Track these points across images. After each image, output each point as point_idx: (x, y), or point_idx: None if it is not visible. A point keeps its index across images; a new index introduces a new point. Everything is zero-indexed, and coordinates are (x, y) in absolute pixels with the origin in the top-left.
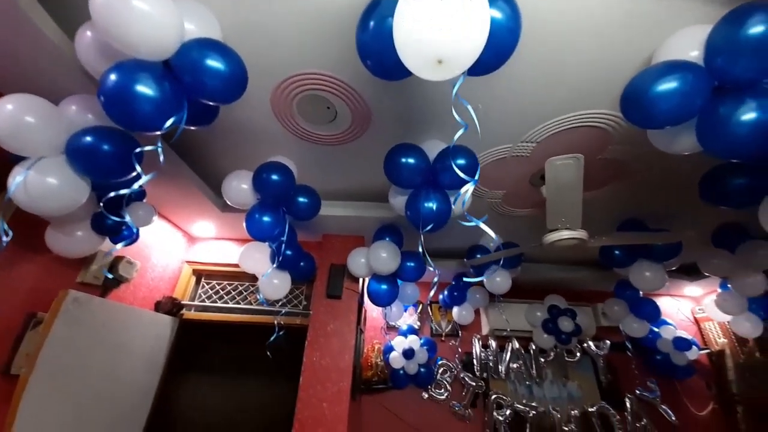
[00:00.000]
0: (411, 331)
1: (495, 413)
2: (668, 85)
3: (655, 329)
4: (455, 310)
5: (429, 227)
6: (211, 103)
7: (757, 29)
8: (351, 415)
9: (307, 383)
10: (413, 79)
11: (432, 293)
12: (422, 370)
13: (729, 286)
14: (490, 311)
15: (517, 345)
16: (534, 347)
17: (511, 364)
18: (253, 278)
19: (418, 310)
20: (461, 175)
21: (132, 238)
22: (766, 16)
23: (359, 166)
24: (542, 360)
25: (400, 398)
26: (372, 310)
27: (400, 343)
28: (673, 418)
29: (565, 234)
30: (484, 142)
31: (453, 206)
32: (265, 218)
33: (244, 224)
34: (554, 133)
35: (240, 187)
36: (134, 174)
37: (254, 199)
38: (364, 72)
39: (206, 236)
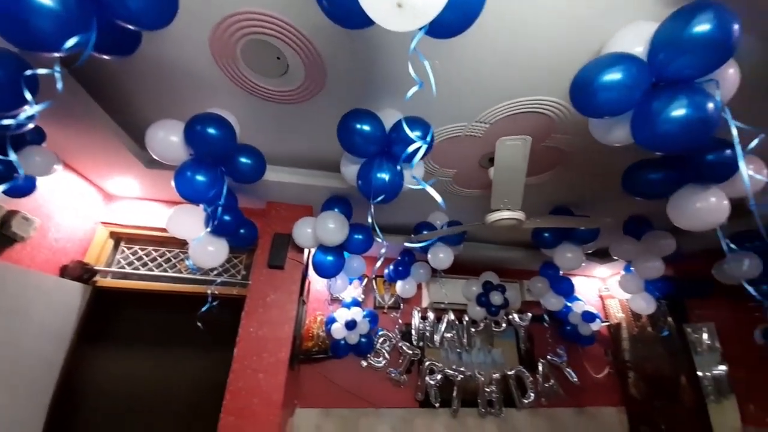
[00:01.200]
0: (355, 303)
1: (427, 378)
2: (612, 76)
3: (569, 304)
4: (399, 283)
5: (380, 198)
6: (130, 27)
7: (697, 29)
8: (288, 385)
9: (242, 354)
10: (372, 38)
11: (378, 265)
12: (363, 340)
13: (632, 269)
14: (431, 285)
15: (452, 317)
16: (467, 319)
17: (445, 334)
18: (184, 244)
19: (363, 283)
20: (412, 135)
21: (26, 188)
22: (707, 17)
23: (311, 130)
24: (473, 330)
25: (340, 366)
26: (316, 282)
27: (343, 314)
28: (575, 379)
29: (506, 214)
30: (440, 119)
31: (403, 167)
32: (199, 177)
33: (173, 183)
34: (506, 116)
35: (168, 140)
36: (26, 107)
37: (186, 155)
38: (319, 19)
39: (127, 195)
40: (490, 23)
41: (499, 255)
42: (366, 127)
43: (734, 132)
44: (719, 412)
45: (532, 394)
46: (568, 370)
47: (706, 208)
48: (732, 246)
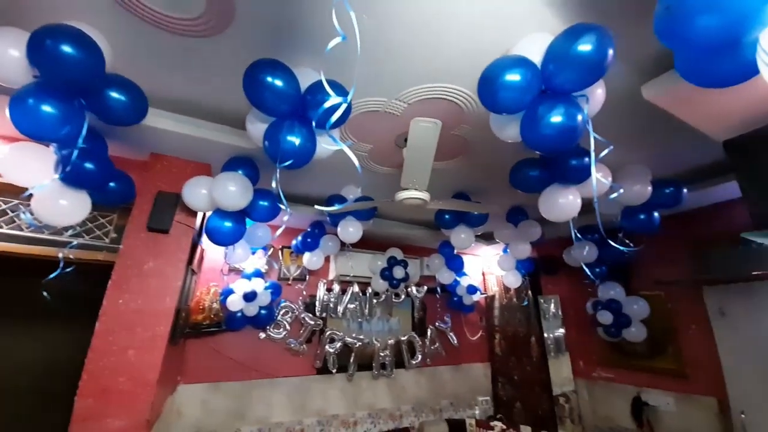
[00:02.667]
0: (257, 274)
1: (327, 346)
2: (511, 77)
3: (458, 278)
4: (307, 255)
5: (288, 163)
6: None
7: (581, 48)
8: (167, 362)
9: (106, 329)
10: None
11: (278, 233)
12: (263, 312)
13: (508, 250)
14: (339, 258)
15: (357, 289)
16: (371, 291)
17: (349, 305)
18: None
19: (268, 254)
20: (330, 91)
21: None
22: (591, 38)
23: (214, 75)
24: (375, 301)
25: (234, 339)
26: (213, 250)
27: (242, 286)
28: (455, 342)
29: (414, 194)
30: (360, 89)
31: (317, 133)
32: (46, 108)
33: (7, 112)
34: (424, 99)
35: (5, 53)
36: None
37: (29, 77)
38: None
39: None
40: (426, 7)
41: (404, 233)
42: (278, 82)
43: (592, 142)
44: (557, 365)
45: (420, 356)
46: (450, 334)
47: (565, 203)
48: (578, 236)
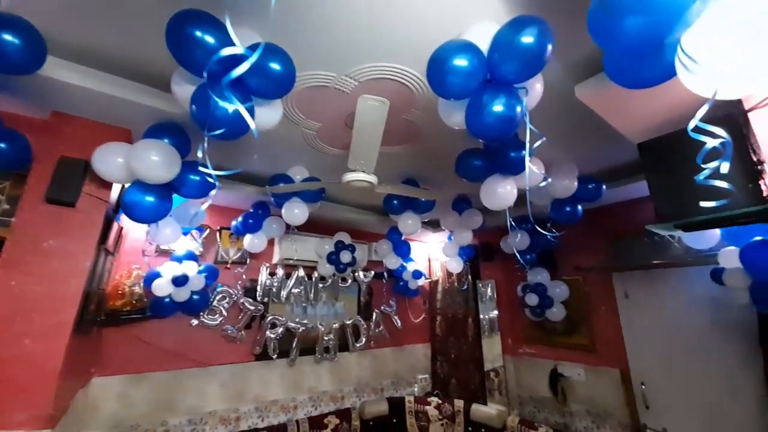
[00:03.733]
0: (190, 257)
1: (268, 332)
2: (459, 62)
3: (404, 264)
4: (248, 237)
5: (219, 132)
6: None
7: (524, 39)
8: (74, 352)
9: None
10: None
11: (204, 207)
12: (195, 297)
13: (452, 237)
14: (283, 241)
15: (302, 273)
16: (316, 275)
17: (293, 290)
18: None
19: (204, 235)
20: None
21: None
22: (533, 31)
23: (134, 25)
24: (321, 285)
25: (161, 327)
26: (136, 229)
27: (170, 269)
28: (399, 324)
29: (361, 176)
30: (309, 61)
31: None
32: None
33: None
34: (376, 78)
35: None
36: None
37: None
38: None
39: None
40: None
41: (353, 217)
42: (209, 38)
43: (528, 133)
44: (489, 343)
45: (364, 339)
46: (395, 317)
47: (503, 193)
48: (513, 224)
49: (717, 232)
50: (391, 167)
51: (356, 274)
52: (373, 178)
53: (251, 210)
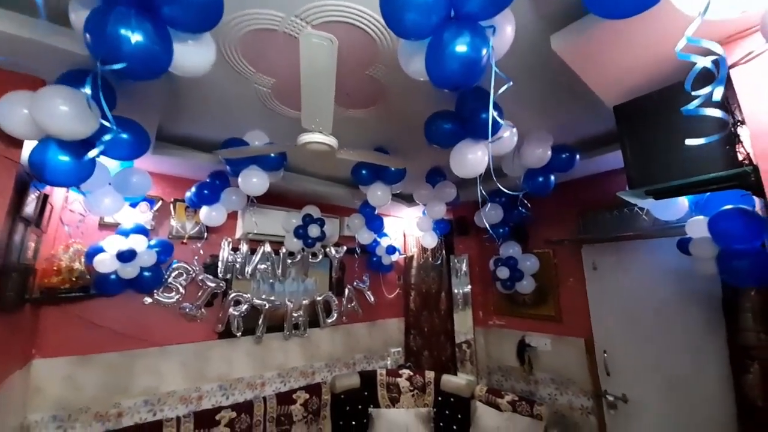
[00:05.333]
0: (139, 230)
1: (231, 309)
2: None
3: (378, 239)
4: (204, 210)
5: (119, 66)
6: None
7: None
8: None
9: None
10: None
11: (94, 154)
12: (146, 273)
13: (426, 211)
14: (246, 215)
15: (269, 248)
16: (284, 250)
17: (259, 266)
18: None
19: (155, 207)
20: None
21: None
22: None
23: None
24: (289, 261)
25: (109, 305)
26: (73, 199)
27: (114, 243)
28: (372, 299)
29: (317, 137)
30: None
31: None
32: None
33: None
34: (330, 21)
35: None
36: None
37: None
38: None
39: None
40: None
41: (322, 190)
42: None
43: (493, 78)
44: (461, 317)
45: (336, 315)
46: (368, 292)
47: (473, 159)
48: (484, 193)
49: (685, 203)
50: (359, 134)
51: (327, 249)
52: (331, 140)
53: (207, 180)
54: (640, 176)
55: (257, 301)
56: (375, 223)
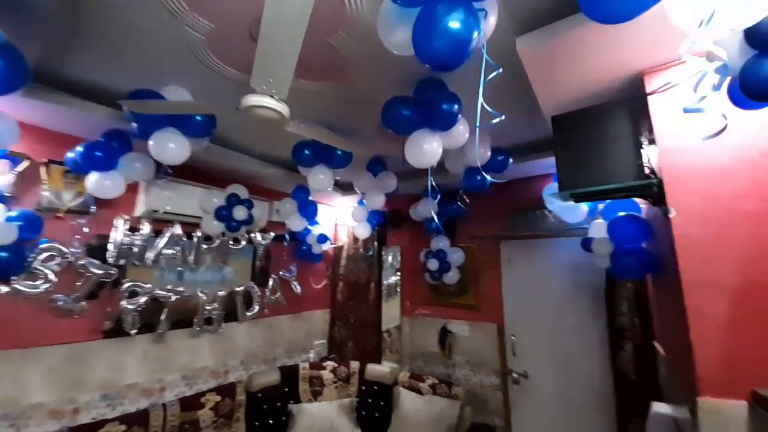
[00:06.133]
0: None
1: (124, 302)
2: None
3: (309, 227)
4: (94, 178)
5: None
6: None
7: None
8: None
9: None
10: None
11: None
12: (2, 254)
13: (364, 201)
14: (153, 188)
15: (180, 231)
16: (199, 234)
17: (165, 251)
18: None
19: (18, 168)
20: None
21: None
22: None
23: None
24: (205, 247)
25: None
26: None
27: None
28: (299, 290)
29: (268, 101)
30: None
31: None
32: None
33: None
34: None
35: None
36: None
37: None
38: None
39: None
40: None
41: (252, 169)
42: None
43: (483, 65)
44: (388, 307)
45: (257, 307)
46: (294, 283)
47: (428, 149)
48: (435, 185)
49: (585, 209)
50: (305, 109)
51: (252, 235)
52: (283, 108)
53: (101, 139)
54: (569, 181)
55: (160, 293)
56: (309, 209)
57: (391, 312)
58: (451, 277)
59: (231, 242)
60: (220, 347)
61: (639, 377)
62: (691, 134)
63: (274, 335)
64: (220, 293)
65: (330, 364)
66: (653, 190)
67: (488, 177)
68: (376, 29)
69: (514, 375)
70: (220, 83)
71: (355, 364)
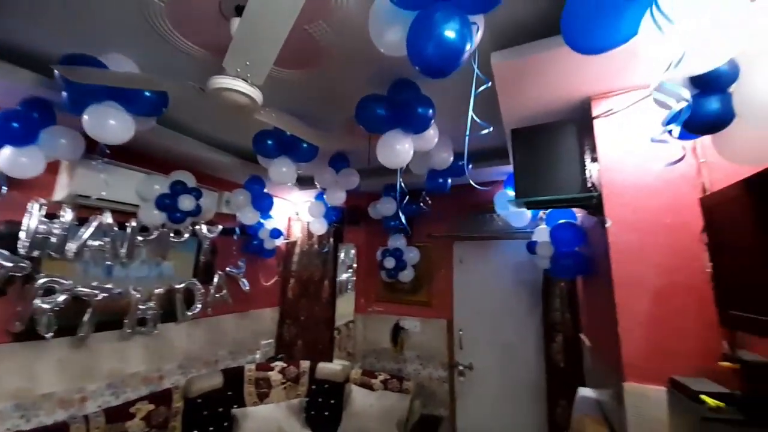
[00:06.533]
0: None
1: (38, 301)
2: None
3: (262, 221)
4: (6, 153)
5: None
6: None
7: None
8: None
9: None
10: None
11: None
12: None
13: (324, 197)
14: (80, 169)
15: (110, 219)
16: (134, 224)
17: (90, 242)
18: None
19: None
20: None
21: None
22: None
23: None
24: (140, 239)
25: None
26: None
27: None
28: (247, 287)
29: (241, 86)
30: None
31: None
32: None
33: None
34: None
35: None
36: None
37: None
38: None
39: None
40: None
41: (202, 155)
42: None
43: (475, 77)
44: (342, 303)
45: (199, 305)
46: (243, 280)
47: (401, 150)
48: (403, 186)
49: (529, 214)
50: (271, 97)
51: (197, 227)
52: (257, 94)
53: (19, 108)
54: (525, 189)
55: (83, 290)
56: (263, 202)
57: (344, 309)
58: (407, 275)
59: (172, 234)
60: (155, 350)
61: (567, 365)
62: (628, 155)
63: (217, 336)
64: (157, 291)
65: (278, 364)
66: (593, 201)
67: (473, 183)
68: (357, 23)
69: (461, 367)
70: (175, 58)
71: (305, 364)
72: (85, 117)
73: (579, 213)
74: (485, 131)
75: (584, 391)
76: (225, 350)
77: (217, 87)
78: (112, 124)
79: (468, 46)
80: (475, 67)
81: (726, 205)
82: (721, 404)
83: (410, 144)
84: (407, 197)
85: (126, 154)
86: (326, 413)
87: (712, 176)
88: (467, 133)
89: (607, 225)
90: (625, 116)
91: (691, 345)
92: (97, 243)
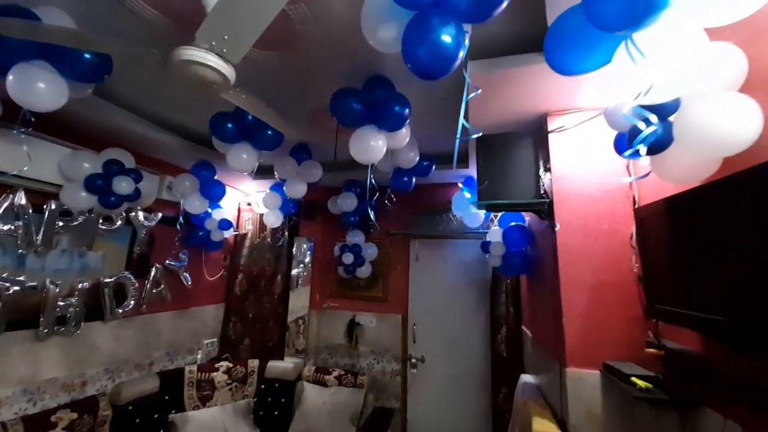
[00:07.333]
0: None
1: None
2: None
3: (210, 210)
4: None
5: None
6: None
7: None
8: None
9: None
10: None
11: None
12: None
13: (282, 188)
14: None
15: (24, 200)
16: (53, 206)
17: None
18: None
19: None
20: None
21: None
22: None
23: None
24: (60, 224)
25: None
26: None
27: None
28: (189, 282)
29: (214, 60)
30: None
31: None
32: None
33: None
34: None
35: None
36: None
37: None
38: None
39: None
40: None
41: (143, 133)
42: None
43: (467, 83)
44: (294, 299)
45: (132, 302)
46: (185, 274)
47: (374, 146)
48: (374, 183)
49: (482, 215)
50: (239, 78)
51: (132, 214)
52: (230, 71)
53: None
54: (486, 192)
55: None
56: (214, 190)
57: (297, 304)
58: (364, 270)
59: (101, 221)
60: (76, 353)
61: (509, 355)
62: (576, 167)
63: (151, 336)
64: (82, 285)
65: (223, 364)
66: (544, 207)
67: (456, 180)
68: (339, 13)
69: (413, 360)
70: (125, 22)
71: (253, 363)
72: (10, 77)
73: (527, 216)
74: (475, 135)
75: (526, 378)
76: (161, 351)
77: (185, 59)
78: (41, 87)
79: (461, 53)
80: (467, 75)
81: (653, 217)
82: (650, 385)
83: (384, 141)
84: (377, 194)
85: (47, 125)
86: (276, 413)
87: (641, 190)
88: (458, 136)
89: (557, 228)
90: (576, 132)
91: (621, 335)
92: (6, 227)
